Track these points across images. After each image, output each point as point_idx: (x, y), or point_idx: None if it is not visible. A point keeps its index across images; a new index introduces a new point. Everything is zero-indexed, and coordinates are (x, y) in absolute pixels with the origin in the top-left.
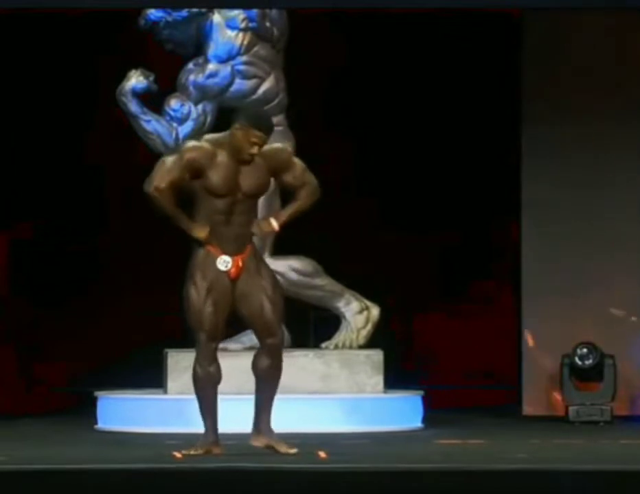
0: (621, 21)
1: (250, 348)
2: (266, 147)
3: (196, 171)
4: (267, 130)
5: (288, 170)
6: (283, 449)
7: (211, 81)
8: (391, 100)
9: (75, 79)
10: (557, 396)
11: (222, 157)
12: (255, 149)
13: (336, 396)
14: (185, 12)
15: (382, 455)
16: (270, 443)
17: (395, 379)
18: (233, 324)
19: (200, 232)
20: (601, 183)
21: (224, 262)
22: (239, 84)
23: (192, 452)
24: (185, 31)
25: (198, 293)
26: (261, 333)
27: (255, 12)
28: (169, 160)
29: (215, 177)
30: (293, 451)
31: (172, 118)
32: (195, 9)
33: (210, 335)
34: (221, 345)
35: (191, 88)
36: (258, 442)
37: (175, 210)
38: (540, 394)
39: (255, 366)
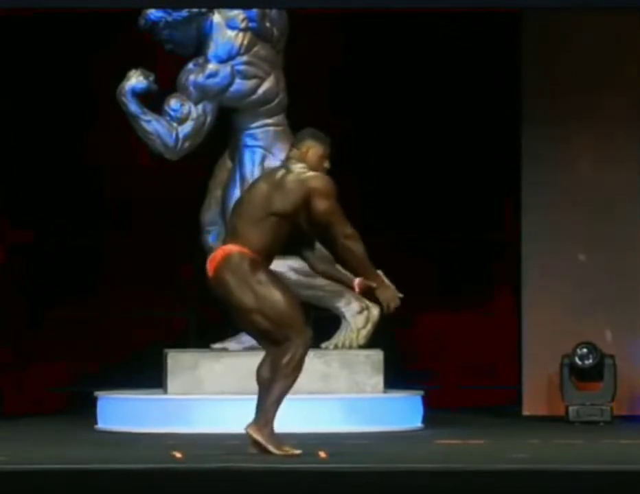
0: (621, 21)
1: (250, 348)
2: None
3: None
4: (329, 142)
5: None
6: (290, 451)
7: (211, 81)
8: (390, 100)
9: (75, 79)
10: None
11: None
12: (328, 164)
13: (336, 396)
14: (185, 12)
15: (382, 455)
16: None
17: (395, 379)
18: (233, 324)
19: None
20: (602, 183)
21: None
22: (239, 84)
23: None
24: (185, 32)
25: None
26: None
27: (255, 12)
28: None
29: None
30: (298, 452)
31: (172, 118)
32: (195, 10)
33: None
34: (221, 345)
35: (191, 88)
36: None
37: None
38: (540, 394)
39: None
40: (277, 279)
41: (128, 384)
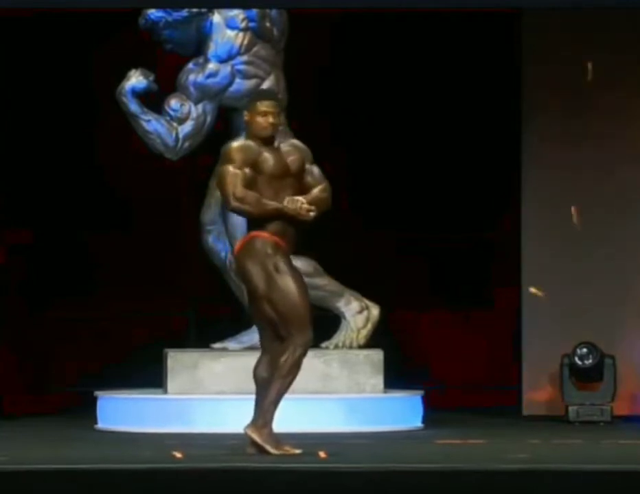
0: (621, 18)
1: (250, 348)
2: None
3: (251, 163)
4: (270, 98)
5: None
6: (289, 450)
7: (211, 81)
8: (390, 100)
9: (75, 79)
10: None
11: (262, 148)
12: (271, 118)
13: (336, 396)
14: (185, 12)
15: (382, 455)
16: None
17: (395, 379)
18: (232, 324)
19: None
20: (603, 183)
21: None
22: (239, 84)
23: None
24: (185, 31)
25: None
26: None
27: (255, 12)
28: (228, 168)
29: (266, 160)
30: (298, 451)
31: (172, 118)
32: (195, 10)
33: None
34: (221, 345)
35: (191, 87)
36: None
37: (261, 206)
38: (540, 394)
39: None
40: (296, 273)
41: (128, 384)
